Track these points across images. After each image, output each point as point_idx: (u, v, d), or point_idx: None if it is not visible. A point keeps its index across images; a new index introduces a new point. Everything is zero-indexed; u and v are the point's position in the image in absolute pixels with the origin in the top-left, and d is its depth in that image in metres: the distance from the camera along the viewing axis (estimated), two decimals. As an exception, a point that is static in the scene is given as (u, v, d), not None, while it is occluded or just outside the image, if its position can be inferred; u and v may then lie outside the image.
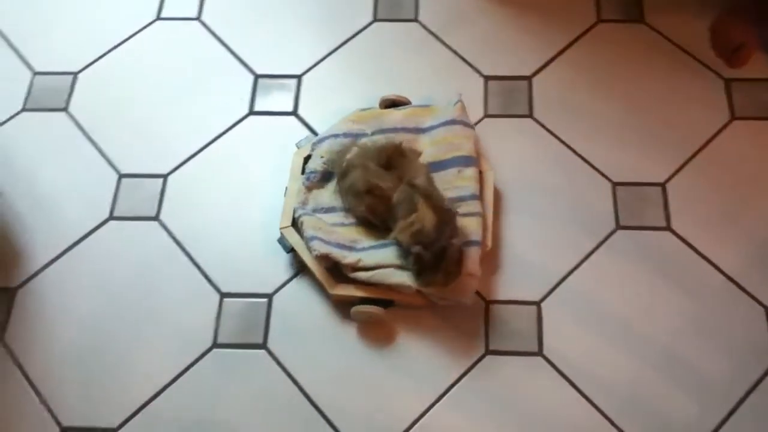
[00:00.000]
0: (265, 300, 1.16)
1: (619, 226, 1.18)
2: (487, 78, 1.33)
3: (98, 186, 1.26)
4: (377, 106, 1.29)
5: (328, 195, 1.21)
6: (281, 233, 1.18)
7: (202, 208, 1.24)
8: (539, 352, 1.09)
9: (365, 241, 1.16)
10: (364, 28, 1.40)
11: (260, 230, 1.21)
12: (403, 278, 1.10)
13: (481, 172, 1.20)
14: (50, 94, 1.36)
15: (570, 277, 1.15)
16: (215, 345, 1.13)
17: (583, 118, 1.28)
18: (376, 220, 1.14)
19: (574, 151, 1.25)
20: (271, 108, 1.33)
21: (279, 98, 1.33)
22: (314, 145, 1.24)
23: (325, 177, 1.22)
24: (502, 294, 1.14)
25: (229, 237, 1.21)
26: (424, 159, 1.20)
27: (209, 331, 1.14)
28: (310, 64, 1.37)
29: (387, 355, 1.11)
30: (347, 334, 1.12)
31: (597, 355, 1.08)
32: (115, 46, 1.41)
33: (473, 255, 1.10)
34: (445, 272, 1.06)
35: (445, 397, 1.07)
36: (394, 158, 1.14)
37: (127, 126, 1.32)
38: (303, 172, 1.22)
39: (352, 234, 1.16)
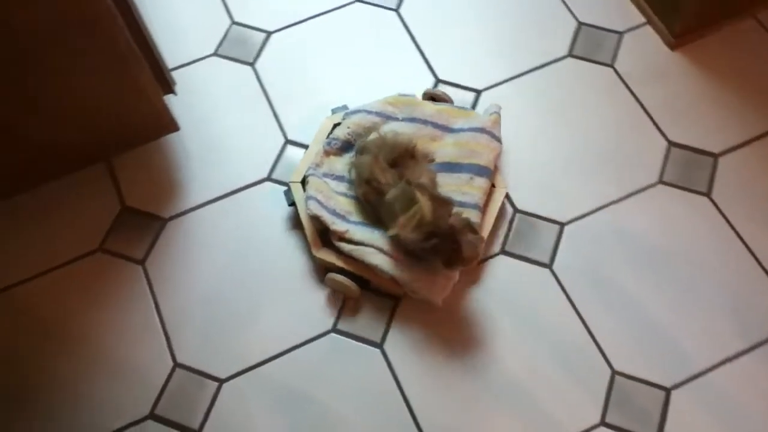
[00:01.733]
0: (391, 302, 1.16)
1: (775, 336, 1.11)
2: (671, 144, 1.27)
3: (264, 144, 1.30)
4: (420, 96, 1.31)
5: (342, 164, 1.24)
6: (288, 186, 1.22)
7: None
8: None
9: (358, 217, 1.18)
10: (557, 60, 1.37)
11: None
12: (383, 262, 1.12)
13: (493, 186, 1.21)
14: (242, 46, 1.41)
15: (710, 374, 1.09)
16: (335, 330, 1.15)
17: (765, 211, 1.21)
18: (368, 207, 1.17)
19: (745, 244, 1.18)
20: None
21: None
22: (346, 115, 1.27)
23: (344, 147, 1.25)
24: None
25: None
26: (442, 158, 1.22)
27: (332, 315, 1.16)
28: (493, 82, 1.35)
29: (492, 377, 1.09)
30: (462, 353, 1.11)
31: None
32: (312, 17, 1.44)
33: None
34: (460, 251, 1.05)
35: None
36: (403, 158, 1.16)
37: (303, 94, 1.36)
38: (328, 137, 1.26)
39: (350, 206, 1.19)
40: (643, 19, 1.40)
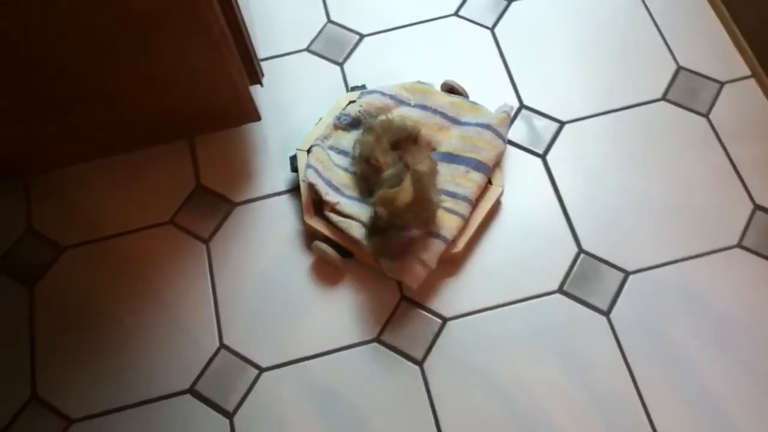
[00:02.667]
0: (438, 321, 1.16)
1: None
2: (758, 207, 1.21)
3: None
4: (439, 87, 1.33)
5: (348, 140, 1.27)
6: (296, 152, 1.26)
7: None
8: None
9: (353, 191, 1.22)
10: (649, 102, 1.32)
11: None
12: (363, 237, 1.15)
13: (490, 183, 1.23)
14: (334, 45, 1.43)
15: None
16: (378, 340, 1.15)
17: None
18: (363, 184, 1.21)
19: (821, 326, 1.11)
20: (522, 141, 1.31)
21: (534, 137, 1.31)
22: (362, 94, 1.30)
23: (353, 124, 1.28)
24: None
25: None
26: (445, 148, 1.25)
27: (379, 323, 1.16)
28: (578, 116, 1.32)
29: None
30: (502, 387, 1.10)
31: None
32: (408, 24, 1.45)
33: (435, 248, 1.14)
34: (388, 248, 1.10)
35: None
36: (406, 142, 1.19)
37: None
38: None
39: (348, 181, 1.23)
40: (747, 71, 1.33)
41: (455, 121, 1.28)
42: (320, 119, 1.31)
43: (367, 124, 1.23)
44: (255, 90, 1.25)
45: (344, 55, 1.42)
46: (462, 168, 1.22)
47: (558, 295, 1.16)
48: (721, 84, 1.33)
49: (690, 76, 1.34)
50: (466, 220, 1.19)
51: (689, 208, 1.22)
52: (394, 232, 1.09)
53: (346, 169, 1.25)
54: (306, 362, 1.14)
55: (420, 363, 1.13)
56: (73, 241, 1.26)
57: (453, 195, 1.19)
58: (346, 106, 1.30)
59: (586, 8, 1.43)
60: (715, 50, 1.36)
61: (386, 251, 1.11)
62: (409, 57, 1.41)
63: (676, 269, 1.17)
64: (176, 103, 1.16)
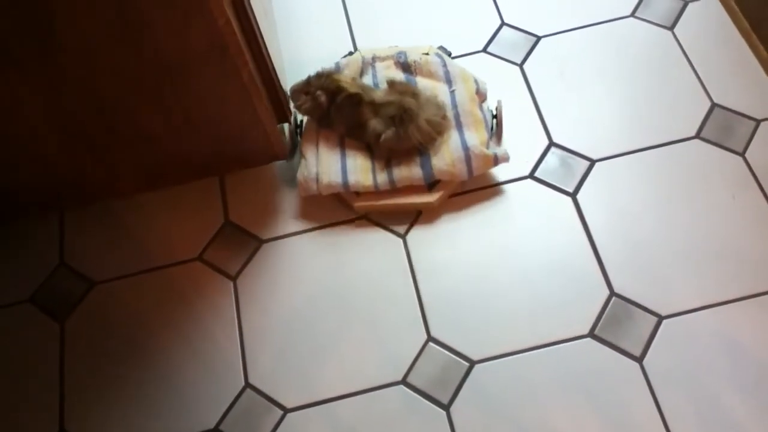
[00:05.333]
0: (465, 365, 1.14)
1: None
2: (797, 250, 1.17)
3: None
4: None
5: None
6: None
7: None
8: None
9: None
10: (683, 140, 1.29)
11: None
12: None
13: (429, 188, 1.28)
14: (511, 47, 1.44)
15: None
16: (404, 382, 1.14)
17: None
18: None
19: None
20: (551, 179, 1.29)
21: (564, 175, 1.29)
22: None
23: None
24: None
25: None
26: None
27: (405, 365, 1.14)
28: (610, 153, 1.30)
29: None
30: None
31: None
32: (584, 26, 1.44)
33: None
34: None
35: None
36: (406, 98, 1.25)
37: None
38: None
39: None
40: (786, 109, 1.30)
41: (458, 126, 1.28)
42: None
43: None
44: (283, 128, 1.26)
45: (522, 56, 1.42)
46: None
47: (589, 340, 1.13)
48: (758, 122, 1.29)
49: (725, 113, 1.31)
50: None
51: (725, 250, 1.18)
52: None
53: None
54: (331, 403, 1.13)
55: (446, 407, 1.11)
56: (105, 277, 1.27)
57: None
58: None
59: (616, 44, 1.41)
60: (750, 87, 1.33)
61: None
62: (591, 61, 1.40)
63: (713, 314, 1.13)
64: (207, 144, 1.17)
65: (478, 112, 1.29)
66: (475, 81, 1.33)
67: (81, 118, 1.06)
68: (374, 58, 1.38)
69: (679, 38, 1.40)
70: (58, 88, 1.00)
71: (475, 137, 1.25)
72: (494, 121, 1.32)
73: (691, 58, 1.37)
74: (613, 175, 1.28)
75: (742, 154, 1.27)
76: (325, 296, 1.22)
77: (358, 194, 1.27)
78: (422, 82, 1.33)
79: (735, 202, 1.22)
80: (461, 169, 1.24)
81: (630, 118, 1.33)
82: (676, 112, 1.33)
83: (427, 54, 1.37)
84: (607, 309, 1.15)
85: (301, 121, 1.34)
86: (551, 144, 1.32)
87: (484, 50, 1.44)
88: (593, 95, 1.37)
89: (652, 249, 1.20)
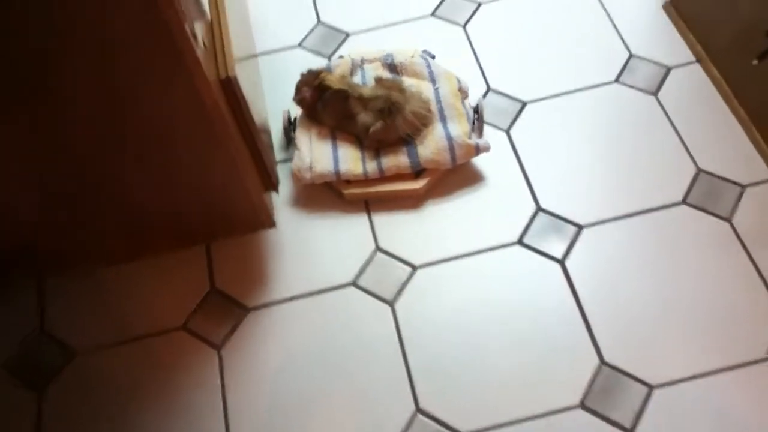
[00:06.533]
0: (455, 436, 1.11)
1: None
2: (786, 319, 1.17)
3: (355, 248, 1.31)
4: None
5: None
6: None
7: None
8: None
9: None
10: (669, 206, 1.30)
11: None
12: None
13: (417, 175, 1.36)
14: (497, 113, 1.43)
15: None
16: (392, 457, 1.11)
17: None
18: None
19: None
20: (540, 246, 1.28)
21: (553, 241, 1.28)
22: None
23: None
24: None
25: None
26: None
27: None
28: (597, 219, 1.30)
29: None
30: None
31: None
32: (570, 92, 1.46)
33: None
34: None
35: None
36: (393, 92, 1.33)
37: (397, 206, 1.37)
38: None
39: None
40: (770, 174, 1.31)
41: (442, 119, 1.36)
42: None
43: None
44: (270, 195, 1.26)
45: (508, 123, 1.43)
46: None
47: (579, 411, 1.11)
48: (743, 187, 1.30)
49: (710, 179, 1.32)
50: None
51: (715, 318, 1.17)
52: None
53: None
54: (316, 480, 1.10)
55: (435, 484, 1.08)
56: (86, 345, 1.25)
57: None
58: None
59: (601, 109, 1.43)
60: (734, 152, 1.35)
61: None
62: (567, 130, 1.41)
63: (705, 383, 1.12)
64: (193, 212, 1.17)
65: (461, 107, 1.39)
66: (458, 80, 1.43)
67: (62, 181, 1.05)
68: (363, 60, 1.48)
69: (663, 103, 1.42)
70: (39, 150, 0.99)
71: (458, 128, 1.35)
72: (475, 115, 1.41)
73: (675, 124, 1.39)
74: (601, 241, 1.27)
75: (729, 220, 1.27)
76: (312, 367, 1.19)
77: (349, 182, 1.35)
78: (408, 81, 1.42)
79: (721, 268, 1.22)
80: (445, 158, 1.33)
81: (617, 184, 1.34)
82: (662, 177, 1.33)
83: (413, 57, 1.46)
84: (597, 379, 1.14)
85: (295, 118, 1.43)
86: (539, 209, 1.32)
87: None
88: (580, 160, 1.38)
89: (642, 316, 1.19)
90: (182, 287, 1.29)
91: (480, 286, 1.25)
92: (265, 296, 1.28)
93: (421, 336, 1.21)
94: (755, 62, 1.21)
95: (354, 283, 1.27)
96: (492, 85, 1.49)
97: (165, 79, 0.89)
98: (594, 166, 1.36)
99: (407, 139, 1.33)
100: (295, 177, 1.34)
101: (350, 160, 1.34)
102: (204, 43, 0.95)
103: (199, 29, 0.92)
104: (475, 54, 1.54)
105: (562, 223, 1.30)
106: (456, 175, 1.37)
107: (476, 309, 1.23)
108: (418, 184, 1.33)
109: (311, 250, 1.32)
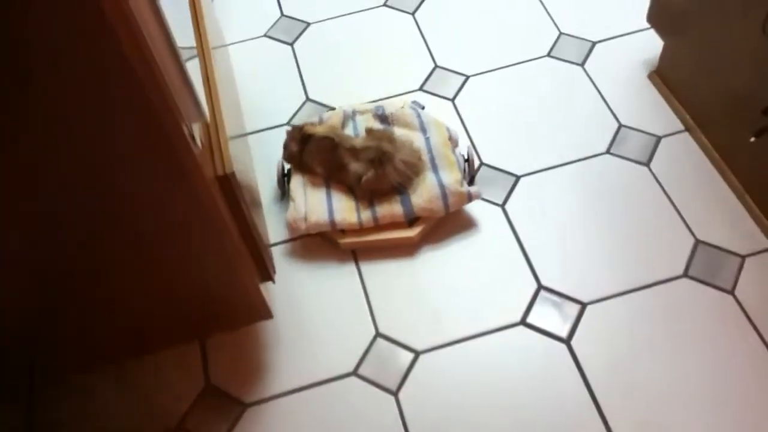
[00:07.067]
0: None
1: None
2: (799, 394, 1.14)
3: (355, 336, 1.27)
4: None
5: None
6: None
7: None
8: None
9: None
10: (671, 279, 1.28)
11: None
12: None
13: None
14: (491, 187, 1.42)
15: None
16: None
17: None
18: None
19: None
20: (543, 325, 1.26)
21: (556, 320, 1.26)
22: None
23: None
24: None
25: None
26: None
27: None
28: (599, 296, 1.28)
29: None
30: None
31: None
32: (562, 164, 1.46)
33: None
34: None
35: None
36: (383, 143, 1.34)
37: (400, 291, 1.33)
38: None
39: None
40: (767, 243, 1.31)
41: (433, 168, 1.38)
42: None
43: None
44: (267, 287, 1.22)
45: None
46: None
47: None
48: (743, 258, 1.30)
49: (709, 249, 1.31)
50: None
51: (722, 395, 1.15)
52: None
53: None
54: None
55: None
56: (75, 451, 1.19)
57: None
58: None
59: (594, 181, 1.43)
60: (730, 221, 1.34)
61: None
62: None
63: (723, 468, 1.09)
64: (188, 309, 1.13)
65: (451, 155, 1.41)
66: (447, 129, 1.46)
67: (52, 278, 1.01)
68: (354, 112, 1.51)
69: (655, 173, 1.42)
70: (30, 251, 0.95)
71: (450, 176, 1.37)
72: (466, 163, 1.42)
73: (669, 194, 1.39)
74: (606, 318, 1.25)
75: (732, 292, 1.26)
76: (315, 466, 1.14)
77: (344, 232, 1.35)
78: (399, 131, 1.45)
79: (729, 343, 1.20)
80: (438, 205, 1.34)
81: (616, 257, 1.32)
82: (661, 250, 1.32)
83: (403, 107, 1.49)
84: (613, 467, 1.10)
85: (289, 170, 1.44)
86: (540, 287, 1.30)
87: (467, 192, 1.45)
88: (577, 234, 1.36)
89: (651, 394, 1.16)
90: (176, 384, 1.23)
91: (486, 370, 1.21)
92: (262, 390, 1.22)
93: (426, 425, 1.16)
94: (752, 140, 1.22)
95: (355, 373, 1.23)
96: (484, 159, 1.48)
97: (163, 185, 0.86)
98: (592, 239, 1.35)
99: (399, 188, 1.35)
100: (291, 227, 1.35)
101: (345, 209, 1.35)
102: (201, 141, 0.92)
103: (197, 128, 0.90)
104: (465, 128, 1.54)
105: (565, 300, 1.28)
106: (450, 223, 1.39)
107: (483, 394, 1.19)
108: (413, 232, 1.35)
109: (309, 336, 1.27)
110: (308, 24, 1.77)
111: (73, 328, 1.10)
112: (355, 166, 1.34)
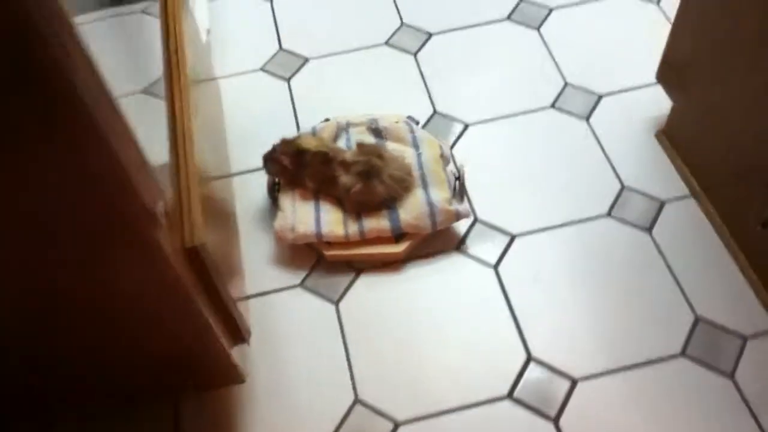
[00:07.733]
0: None
1: None
2: (798, 496, 1.08)
3: (333, 400, 1.20)
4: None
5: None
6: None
7: None
8: None
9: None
10: (668, 358, 1.22)
11: None
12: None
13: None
14: (484, 244, 1.37)
15: None
16: None
17: None
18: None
19: None
20: (530, 401, 1.18)
21: (545, 397, 1.19)
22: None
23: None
24: None
25: None
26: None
27: None
28: (592, 372, 1.21)
29: None
30: None
31: None
32: (560, 225, 1.39)
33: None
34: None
35: None
36: (373, 157, 1.34)
37: (383, 350, 1.27)
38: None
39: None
40: (773, 324, 1.24)
41: (423, 184, 1.38)
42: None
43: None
44: (241, 349, 1.17)
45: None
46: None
47: None
48: (745, 339, 1.23)
49: (710, 328, 1.24)
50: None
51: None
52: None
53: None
54: None
55: None
56: None
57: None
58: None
59: (593, 245, 1.36)
60: (733, 297, 1.28)
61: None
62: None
63: None
64: (156, 370, 1.08)
65: (442, 173, 1.41)
66: (440, 146, 1.45)
67: (14, 334, 0.96)
68: (348, 124, 1.50)
69: (657, 241, 1.36)
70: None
71: (439, 194, 1.37)
72: (457, 182, 1.42)
73: (671, 264, 1.32)
74: (598, 397, 1.18)
75: (731, 377, 1.19)
76: None
77: (330, 244, 1.35)
78: (391, 146, 1.45)
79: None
80: (426, 222, 1.34)
81: (611, 330, 1.26)
82: (658, 324, 1.26)
83: (397, 122, 1.49)
84: None
85: (278, 181, 1.43)
86: (530, 359, 1.24)
87: (457, 248, 1.38)
88: (571, 302, 1.30)
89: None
90: (143, 447, 1.18)
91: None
92: (235, 453, 1.17)
93: None
94: (759, 228, 1.15)
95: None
96: (479, 215, 1.42)
97: (126, 265, 0.81)
98: (587, 308, 1.29)
99: (387, 203, 1.35)
100: (278, 236, 1.36)
101: (333, 222, 1.35)
102: (166, 211, 0.87)
103: (162, 204, 0.84)
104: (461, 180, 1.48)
105: (556, 376, 1.22)
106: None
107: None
108: (399, 248, 1.35)
109: (285, 402, 1.21)
110: (306, 59, 1.72)
111: (34, 389, 1.05)
112: (344, 178, 1.35)
